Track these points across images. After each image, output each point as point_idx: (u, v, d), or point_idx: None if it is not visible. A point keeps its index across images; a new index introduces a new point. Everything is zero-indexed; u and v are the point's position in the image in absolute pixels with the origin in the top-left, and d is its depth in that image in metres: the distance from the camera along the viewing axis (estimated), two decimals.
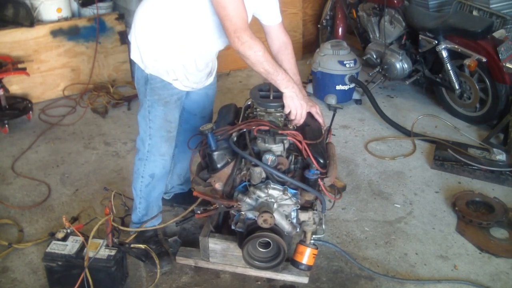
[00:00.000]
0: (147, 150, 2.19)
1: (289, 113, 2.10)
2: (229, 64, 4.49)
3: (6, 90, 3.57)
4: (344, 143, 3.46)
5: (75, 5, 4.24)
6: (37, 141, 3.41)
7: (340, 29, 4.55)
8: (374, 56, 4.16)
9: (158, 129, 2.14)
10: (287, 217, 2.02)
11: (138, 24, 2.04)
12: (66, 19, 4.06)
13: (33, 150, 3.32)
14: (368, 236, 2.55)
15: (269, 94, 2.18)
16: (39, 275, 2.25)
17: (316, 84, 4.04)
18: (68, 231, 2.12)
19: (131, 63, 2.12)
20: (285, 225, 2.01)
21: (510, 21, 3.65)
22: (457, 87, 3.61)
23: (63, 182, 2.96)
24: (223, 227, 2.31)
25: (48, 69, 3.97)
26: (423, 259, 2.40)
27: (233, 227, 2.08)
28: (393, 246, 2.48)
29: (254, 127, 2.02)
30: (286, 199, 1.98)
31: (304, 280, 2.21)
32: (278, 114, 2.15)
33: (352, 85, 3.93)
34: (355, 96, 4.05)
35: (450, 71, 3.60)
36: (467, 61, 3.39)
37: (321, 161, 2.00)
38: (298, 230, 2.06)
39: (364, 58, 4.26)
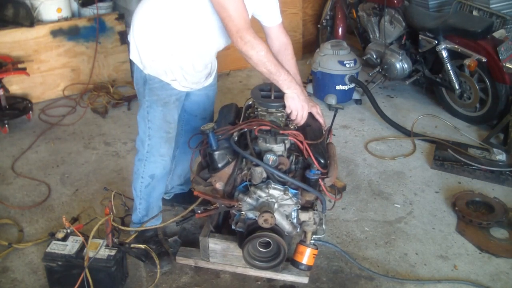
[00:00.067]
0: (146, 151, 2.19)
1: (290, 113, 2.10)
2: (229, 64, 4.49)
3: (6, 90, 3.57)
4: (344, 143, 3.46)
5: (75, 5, 4.24)
6: (37, 141, 3.41)
7: (340, 29, 4.55)
8: (374, 56, 4.16)
9: (157, 129, 2.14)
10: (288, 217, 2.02)
11: (137, 24, 2.04)
12: (66, 19, 4.06)
13: (33, 150, 3.31)
14: (368, 236, 2.55)
15: (270, 94, 2.18)
16: (39, 275, 2.25)
17: (316, 84, 4.04)
18: (68, 231, 2.11)
19: (131, 63, 2.12)
20: (286, 225, 2.01)
21: (510, 21, 3.65)
22: (457, 87, 3.61)
23: (63, 182, 2.96)
24: (223, 227, 2.31)
25: (48, 69, 3.97)
26: (423, 259, 2.40)
27: (233, 227, 2.08)
28: (393, 246, 2.48)
29: (255, 127, 2.02)
30: (287, 199, 1.98)
31: (304, 280, 2.21)
32: (279, 114, 2.15)
33: (352, 85, 3.93)
34: (355, 96, 4.05)
35: (450, 71, 3.60)
36: (467, 61, 3.39)
37: (322, 161, 2.00)
38: (298, 230, 2.06)
39: (364, 58, 4.26)
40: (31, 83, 3.90)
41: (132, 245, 2.19)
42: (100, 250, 2.03)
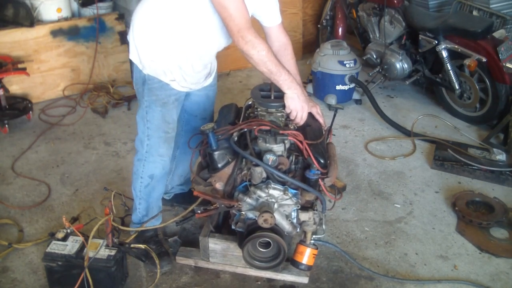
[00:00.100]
0: (145, 151, 2.18)
1: (290, 113, 2.10)
2: (229, 64, 4.49)
3: (6, 90, 3.57)
4: (344, 143, 3.46)
5: (75, 5, 4.24)
6: (37, 141, 3.41)
7: (340, 29, 4.55)
8: (374, 56, 4.16)
9: (156, 129, 2.14)
10: (288, 217, 2.02)
11: (136, 24, 2.04)
12: (66, 19, 4.06)
13: (33, 150, 3.31)
14: (368, 236, 2.55)
15: (270, 94, 2.18)
16: (39, 275, 2.25)
17: (316, 84, 4.04)
18: (68, 231, 2.11)
19: (131, 63, 2.12)
20: (286, 225, 2.01)
21: (510, 21, 3.65)
22: (457, 87, 3.61)
23: (63, 182, 2.96)
24: (223, 227, 2.31)
25: (48, 69, 3.97)
26: (423, 259, 2.40)
27: (233, 227, 2.08)
28: (393, 246, 2.48)
29: (255, 127, 2.02)
30: (287, 199, 1.98)
31: (304, 280, 2.21)
32: (279, 114, 2.15)
33: (352, 85, 3.93)
34: (355, 96, 4.05)
35: (450, 71, 3.60)
36: (467, 61, 3.39)
37: (322, 161, 2.00)
38: (298, 230, 2.06)
39: (364, 58, 4.26)
40: (31, 83, 3.90)
41: (132, 245, 2.19)
42: (100, 250, 2.03)
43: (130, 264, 2.28)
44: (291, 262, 2.12)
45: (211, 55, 2.16)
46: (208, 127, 1.97)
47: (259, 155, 1.99)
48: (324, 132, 2.20)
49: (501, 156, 3.09)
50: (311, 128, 2.15)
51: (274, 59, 1.97)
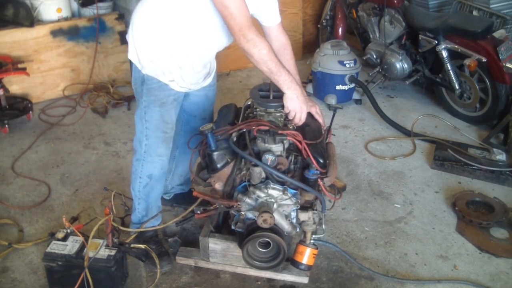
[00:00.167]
0: (144, 151, 2.18)
1: (289, 113, 2.10)
2: (229, 64, 4.49)
3: (6, 90, 3.57)
4: (344, 143, 3.46)
5: (75, 5, 4.24)
6: (37, 141, 3.41)
7: (340, 29, 4.55)
8: (374, 56, 4.15)
9: (154, 129, 2.14)
10: (287, 217, 2.02)
11: (136, 24, 2.04)
12: (66, 19, 4.06)
13: (33, 150, 3.32)
14: (368, 236, 2.55)
15: (269, 94, 2.18)
16: (39, 275, 2.25)
17: (316, 84, 4.04)
18: (68, 231, 2.12)
19: (130, 62, 2.12)
20: (285, 225, 2.01)
21: (510, 21, 3.65)
22: (457, 87, 3.61)
23: (63, 182, 2.96)
24: (223, 227, 2.31)
25: (48, 69, 3.97)
26: (423, 259, 2.40)
27: (233, 227, 2.08)
28: (393, 246, 2.48)
29: (254, 127, 2.02)
30: (286, 199, 1.98)
31: (304, 280, 2.21)
32: (278, 114, 2.14)
33: (352, 85, 3.92)
34: (355, 96, 4.05)
35: (450, 71, 3.60)
36: (467, 61, 3.39)
37: (321, 161, 2.00)
38: (298, 230, 2.07)
39: (364, 58, 4.26)
40: (31, 83, 3.90)
41: (132, 245, 2.19)
42: (100, 250, 2.03)
43: (130, 264, 2.28)
44: (291, 262, 2.12)
45: (211, 55, 2.16)
46: (207, 128, 1.98)
47: (258, 155, 1.99)
48: (323, 132, 2.20)
49: (501, 156, 3.09)
50: (310, 128, 2.15)
51: (275, 58, 1.97)
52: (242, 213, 2.02)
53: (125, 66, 4.26)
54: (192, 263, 2.31)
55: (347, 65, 3.85)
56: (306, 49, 5.01)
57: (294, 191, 2.01)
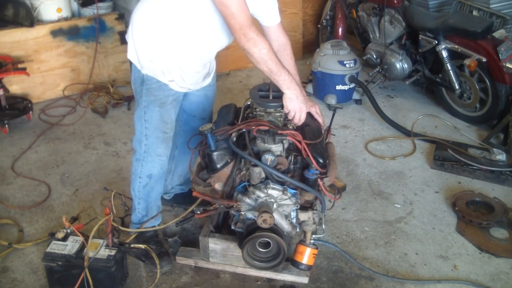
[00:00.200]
0: (143, 151, 2.18)
1: (288, 113, 2.10)
2: (229, 64, 4.49)
3: (6, 90, 3.57)
4: (344, 143, 3.46)
5: (75, 5, 4.24)
6: (37, 141, 3.41)
7: (340, 29, 4.55)
8: (374, 56, 4.15)
9: (154, 129, 2.14)
10: (287, 217, 2.02)
11: (136, 24, 2.04)
12: (66, 19, 4.06)
13: (33, 150, 3.32)
14: (368, 236, 2.55)
15: (269, 94, 2.18)
16: (39, 275, 2.25)
17: (316, 84, 4.04)
18: (68, 231, 2.12)
19: (130, 62, 2.12)
20: (285, 225, 2.01)
21: (510, 21, 3.65)
22: (457, 87, 3.60)
23: (63, 182, 2.96)
24: (223, 227, 2.31)
25: (48, 69, 3.97)
26: (423, 259, 2.40)
27: (233, 227, 2.08)
28: (393, 246, 2.48)
29: (253, 127, 2.02)
30: (286, 199, 1.98)
31: (304, 280, 2.21)
32: (278, 114, 2.15)
33: (352, 85, 3.92)
34: (355, 96, 4.05)
35: (450, 71, 3.59)
36: (467, 61, 3.38)
37: (321, 161, 2.00)
38: (298, 230, 2.07)
39: (364, 58, 4.26)
40: (31, 83, 3.90)
41: (132, 245, 2.19)
42: (100, 250, 2.03)
43: (130, 264, 2.28)
44: (291, 262, 2.12)
45: (211, 55, 2.16)
46: (206, 128, 1.98)
47: (258, 155, 1.99)
48: (323, 132, 2.20)
49: (501, 156, 3.09)
50: (310, 128, 2.15)
51: (275, 58, 1.97)
52: (242, 213, 2.02)
53: (125, 66, 4.26)
54: (192, 263, 2.31)
55: (347, 65, 3.85)
56: (306, 49, 5.00)
57: (294, 191, 2.01)
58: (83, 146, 3.38)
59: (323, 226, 2.12)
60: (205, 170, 2.11)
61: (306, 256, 2.08)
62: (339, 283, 2.23)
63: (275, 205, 1.99)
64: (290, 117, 2.11)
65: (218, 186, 2.07)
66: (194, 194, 2.06)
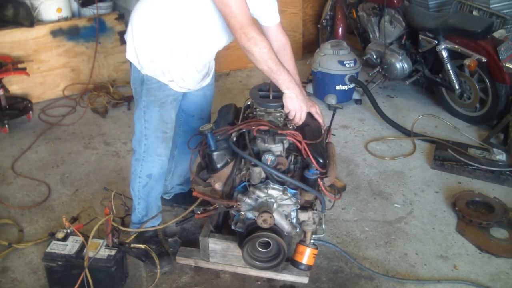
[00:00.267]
0: (143, 151, 2.18)
1: (289, 113, 2.10)
2: (229, 64, 4.49)
3: (6, 90, 3.57)
4: (344, 143, 3.46)
5: (75, 5, 4.25)
6: (37, 141, 3.41)
7: (340, 29, 4.55)
8: (374, 56, 4.15)
9: (154, 129, 2.14)
10: (287, 217, 2.02)
11: (135, 24, 2.03)
12: (66, 19, 4.06)
13: (33, 150, 3.32)
14: (368, 236, 2.55)
15: (269, 94, 2.18)
16: (39, 275, 2.25)
17: (316, 84, 4.04)
18: (68, 231, 2.12)
19: (130, 62, 2.12)
20: (285, 225, 2.01)
21: (510, 21, 3.65)
22: (457, 87, 3.61)
23: (63, 182, 2.96)
24: (223, 227, 2.31)
25: (48, 69, 3.97)
26: (423, 259, 2.40)
27: (233, 227, 2.08)
28: (393, 246, 2.48)
29: (253, 127, 2.02)
30: (286, 199, 1.98)
31: (304, 280, 2.21)
32: (278, 114, 2.14)
33: (352, 85, 3.93)
34: (355, 96, 4.05)
35: (450, 71, 3.59)
36: (467, 61, 3.39)
37: (321, 161, 2.00)
38: (298, 230, 2.06)
39: (364, 58, 4.26)
40: (31, 83, 3.90)
41: (132, 245, 2.19)
42: (100, 250, 2.03)
43: (130, 264, 2.28)
44: (291, 262, 2.12)
45: (211, 54, 2.16)
46: (207, 128, 1.97)
47: (258, 155, 1.99)
48: (323, 132, 2.20)
49: (501, 156, 3.09)
50: (310, 128, 2.15)
51: (275, 57, 1.97)
52: (242, 213, 2.02)
53: (125, 66, 4.26)
54: (192, 263, 2.31)
55: (347, 65, 3.85)
56: (306, 49, 5.01)
57: (294, 191, 2.01)
58: (83, 146, 3.38)
59: (323, 226, 2.12)
60: (205, 170, 2.11)
61: (306, 256, 2.08)
62: (339, 283, 2.23)
63: (275, 205, 1.99)
64: (290, 117, 2.11)
65: (218, 186, 2.06)
66: (194, 194, 2.06)
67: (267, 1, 2.14)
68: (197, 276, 2.26)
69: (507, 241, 2.51)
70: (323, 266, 2.32)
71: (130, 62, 2.09)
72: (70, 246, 2.06)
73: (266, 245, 2.07)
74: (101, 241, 2.06)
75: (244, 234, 2.02)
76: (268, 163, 1.94)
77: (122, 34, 4.17)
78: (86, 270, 1.96)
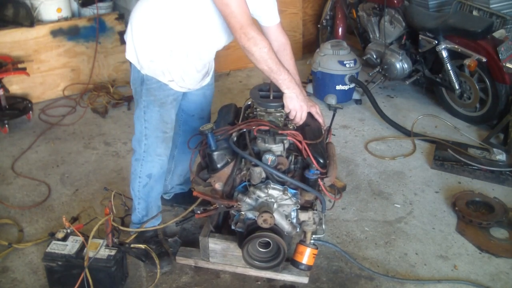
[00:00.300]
0: (143, 151, 2.18)
1: (289, 113, 2.10)
2: (229, 64, 4.49)
3: (6, 90, 3.57)
4: (344, 143, 3.46)
5: (75, 5, 4.25)
6: (37, 141, 3.41)
7: (340, 29, 4.55)
8: (374, 56, 4.16)
9: (154, 129, 2.14)
10: (287, 217, 2.02)
11: (135, 24, 2.03)
12: (66, 19, 4.06)
13: (33, 150, 3.32)
14: (368, 236, 2.55)
15: (269, 94, 2.18)
16: (39, 275, 2.25)
17: (316, 84, 4.04)
18: (68, 231, 2.12)
19: (130, 62, 2.11)
20: (285, 225, 2.01)
21: (510, 21, 3.65)
22: (457, 87, 3.61)
23: (63, 182, 2.96)
24: (223, 227, 2.31)
25: (48, 69, 3.97)
26: (423, 259, 2.40)
27: (233, 227, 2.08)
28: (393, 246, 2.48)
29: (254, 127, 2.02)
30: (286, 199, 1.98)
31: (304, 280, 2.21)
32: (278, 114, 2.14)
33: (352, 85, 3.93)
34: (355, 96, 4.05)
35: (450, 71, 3.60)
36: (467, 61, 3.39)
37: (321, 161, 2.00)
38: (298, 230, 2.06)
39: (364, 58, 4.26)
40: (31, 83, 3.90)
41: (132, 245, 2.19)
42: (100, 250, 2.03)
43: (130, 264, 2.28)
44: (291, 262, 2.12)
45: (211, 54, 2.16)
46: (207, 128, 1.97)
47: (258, 155, 1.99)
48: (323, 132, 2.20)
49: (501, 156, 3.09)
50: (310, 128, 2.15)
51: (275, 57, 1.97)
52: (242, 213, 2.02)
53: (125, 66, 4.26)
54: (192, 263, 2.31)
55: (347, 65, 3.85)
56: (306, 49, 5.01)
57: (294, 191, 2.01)
58: (83, 146, 3.38)
59: (323, 226, 2.12)
60: (205, 170, 2.11)
61: (306, 256, 2.08)
62: (339, 283, 2.23)
63: (275, 205, 1.99)
64: (291, 117, 2.11)
65: (218, 186, 2.06)
66: (194, 194, 2.06)
67: (267, 1, 2.14)
68: (197, 276, 2.26)
69: (507, 241, 2.51)
70: (323, 266, 2.32)
71: (130, 62, 2.09)
72: (70, 246, 2.06)
73: (266, 245, 2.07)
74: (101, 241, 2.06)
75: (244, 234, 2.02)
76: (269, 163, 1.94)
77: (122, 34, 4.17)
78: (86, 270, 1.96)
